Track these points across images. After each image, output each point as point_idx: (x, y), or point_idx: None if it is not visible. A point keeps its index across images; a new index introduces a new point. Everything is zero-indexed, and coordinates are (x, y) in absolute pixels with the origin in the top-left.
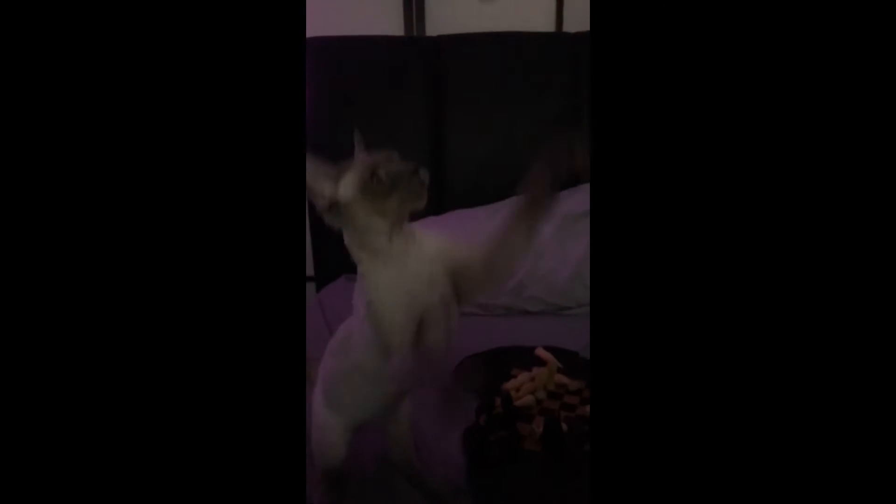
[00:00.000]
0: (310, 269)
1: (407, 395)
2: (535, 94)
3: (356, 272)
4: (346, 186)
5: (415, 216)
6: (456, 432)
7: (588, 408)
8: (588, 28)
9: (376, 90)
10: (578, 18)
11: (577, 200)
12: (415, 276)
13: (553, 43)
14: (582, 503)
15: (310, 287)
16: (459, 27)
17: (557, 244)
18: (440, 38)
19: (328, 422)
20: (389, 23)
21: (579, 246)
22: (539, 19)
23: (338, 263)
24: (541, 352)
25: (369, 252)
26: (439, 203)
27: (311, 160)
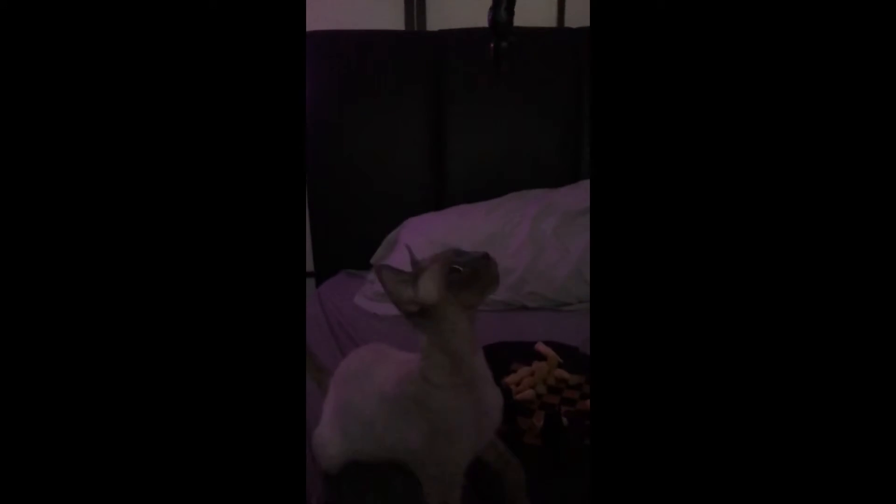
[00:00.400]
0: (310, 265)
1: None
2: (537, 89)
3: (355, 267)
4: (427, 286)
5: (417, 212)
6: None
7: (588, 402)
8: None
9: (377, 84)
10: (580, 14)
11: (578, 197)
12: (484, 411)
13: (555, 38)
14: (582, 497)
15: (310, 283)
16: (461, 21)
17: (557, 240)
18: (441, 32)
19: (333, 440)
20: (391, 17)
21: (579, 242)
22: (541, 14)
23: (337, 259)
24: (541, 346)
25: (453, 359)
26: (439, 197)
27: (388, 270)
